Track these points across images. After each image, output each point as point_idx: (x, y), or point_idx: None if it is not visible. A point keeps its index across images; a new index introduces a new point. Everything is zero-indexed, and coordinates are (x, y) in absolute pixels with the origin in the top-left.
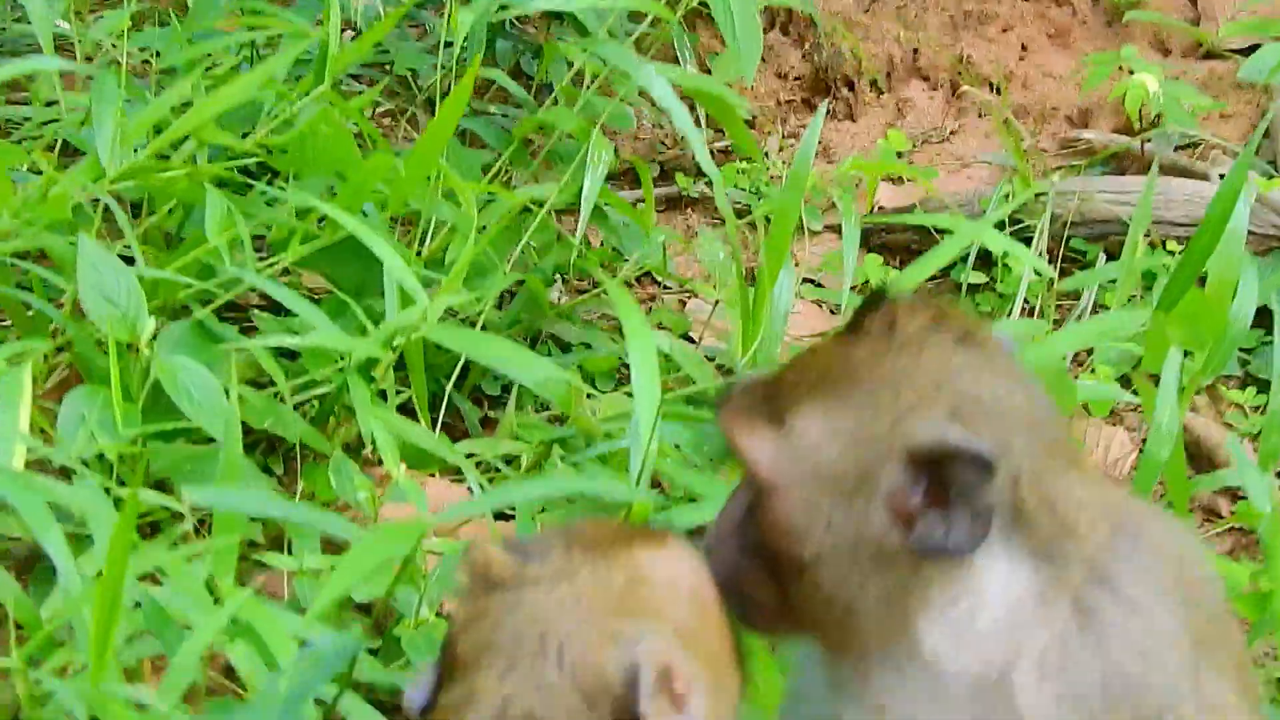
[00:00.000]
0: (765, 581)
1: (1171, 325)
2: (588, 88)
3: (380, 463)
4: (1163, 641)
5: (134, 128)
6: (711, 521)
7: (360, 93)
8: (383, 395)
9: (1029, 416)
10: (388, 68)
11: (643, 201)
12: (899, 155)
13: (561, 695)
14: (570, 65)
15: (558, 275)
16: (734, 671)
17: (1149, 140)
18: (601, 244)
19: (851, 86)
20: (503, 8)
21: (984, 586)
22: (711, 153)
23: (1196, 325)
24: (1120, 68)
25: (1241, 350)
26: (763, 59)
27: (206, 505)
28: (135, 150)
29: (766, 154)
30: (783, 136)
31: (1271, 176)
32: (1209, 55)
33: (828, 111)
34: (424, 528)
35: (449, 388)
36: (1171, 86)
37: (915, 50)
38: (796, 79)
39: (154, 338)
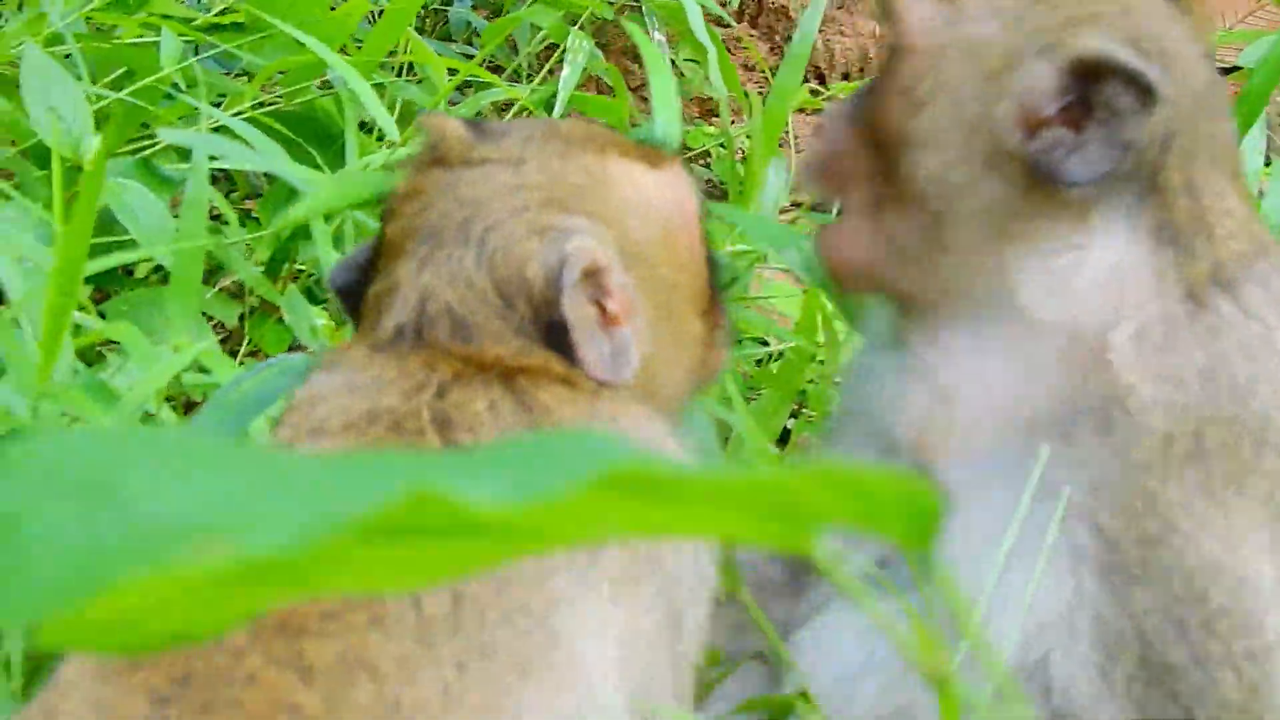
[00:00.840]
0: (863, 163)
1: None
2: None
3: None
4: (1275, 367)
5: None
6: None
7: None
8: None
9: (1207, 100)
10: None
11: None
12: None
13: (479, 291)
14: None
15: None
16: (694, 331)
17: None
18: None
19: (822, 79)
20: None
21: (1094, 243)
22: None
23: None
24: None
25: None
26: (730, 50)
27: (183, 143)
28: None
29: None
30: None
31: None
32: None
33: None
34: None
35: None
36: None
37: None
38: (764, 72)
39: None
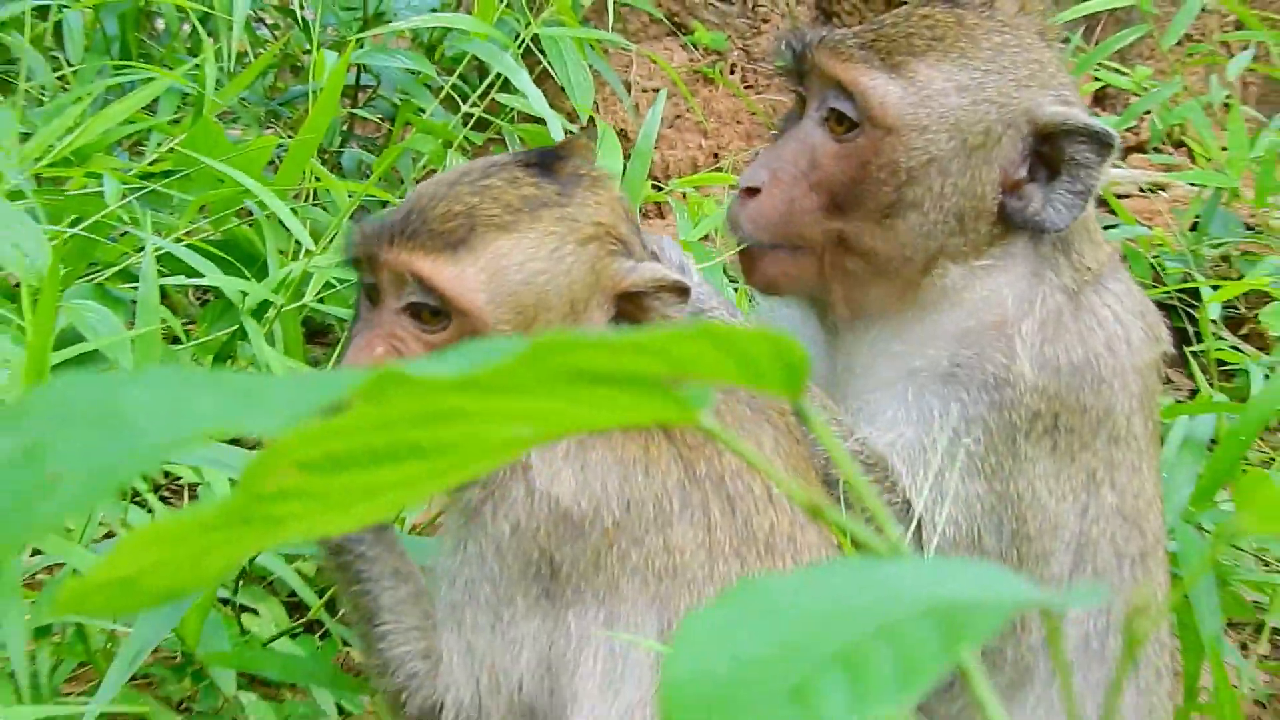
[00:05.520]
0: (828, 224)
1: None
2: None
3: None
4: (1125, 359)
5: (29, 149)
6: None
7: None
8: None
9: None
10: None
11: None
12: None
13: None
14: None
15: None
16: None
17: None
18: None
19: (659, 189)
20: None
21: (1007, 262)
22: None
23: None
24: None
25: None
26: None
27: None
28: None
29: None
30: None
31: None
32: None
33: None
34: None
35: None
36: None
37: (716, 154)
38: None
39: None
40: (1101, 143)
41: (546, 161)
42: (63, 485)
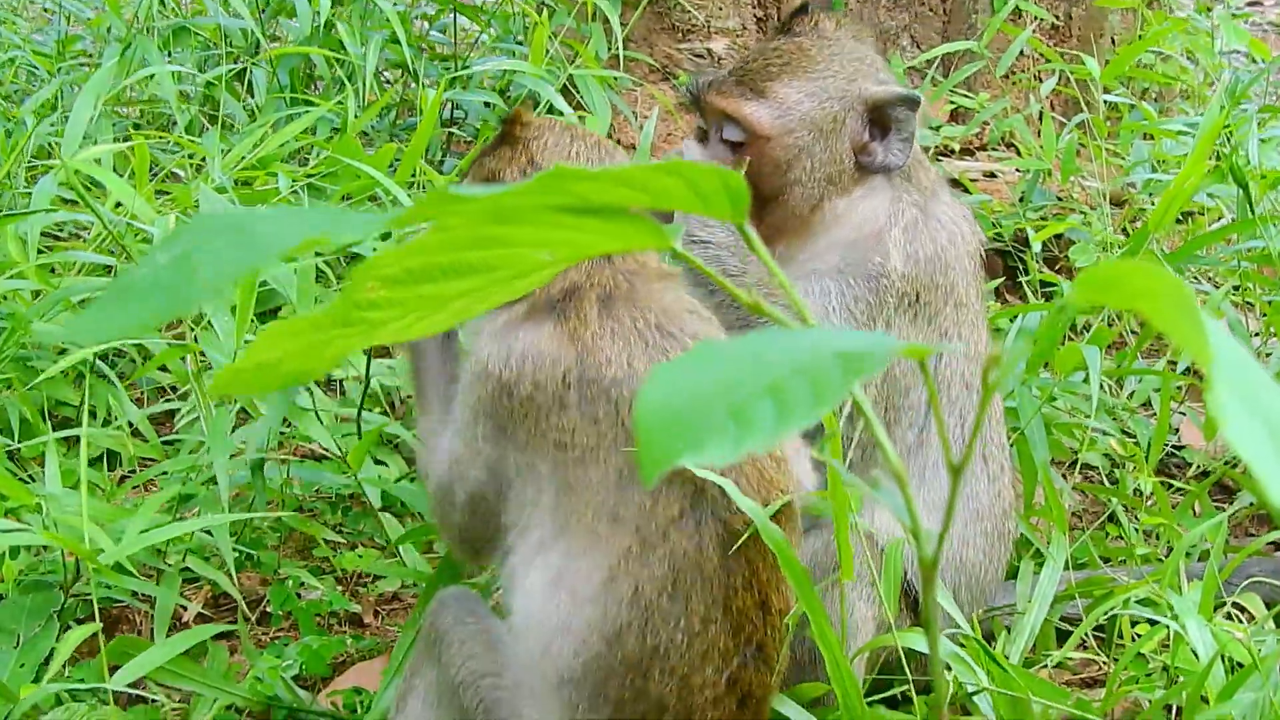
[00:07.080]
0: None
1: None
2: None
3: None
4: (961, 248)
5: (229, 159)
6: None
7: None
8: None
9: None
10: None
11: None
12: None
13: None
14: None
15: None
16: None
17: None
18: None
19: None
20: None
21: (873, 193)
22: None
23: None
24: None
25: None
26: None
27: None
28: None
29: None
30: None
31: None
32: None
33: None
34: None
35: None
36: None
37: None
38: None
39: None
40: (912, 101)
41: (504, 136)
42: (202, 277)
